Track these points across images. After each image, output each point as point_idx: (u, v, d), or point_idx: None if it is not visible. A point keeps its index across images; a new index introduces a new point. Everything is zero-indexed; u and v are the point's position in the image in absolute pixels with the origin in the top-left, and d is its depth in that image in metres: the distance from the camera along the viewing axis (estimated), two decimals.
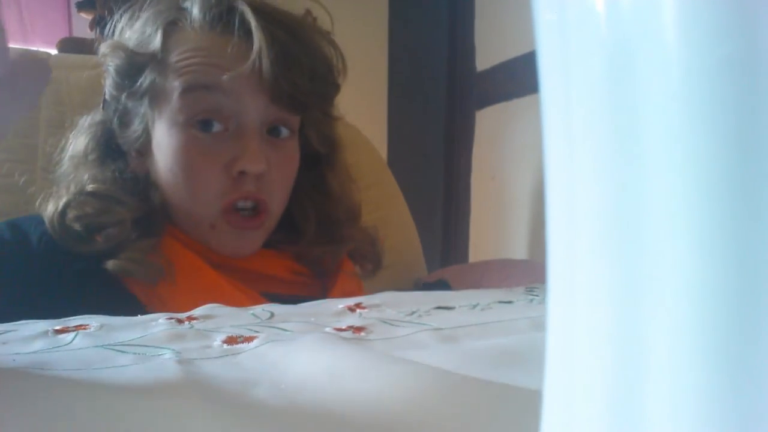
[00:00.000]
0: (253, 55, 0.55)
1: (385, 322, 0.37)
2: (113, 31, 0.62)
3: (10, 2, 1.76)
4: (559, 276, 0.12)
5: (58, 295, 0.53)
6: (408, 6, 1.84)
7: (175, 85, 0.55)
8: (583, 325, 0.11)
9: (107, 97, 0.61)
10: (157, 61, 0.57)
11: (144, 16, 0.60)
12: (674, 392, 0.10)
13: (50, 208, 0.57)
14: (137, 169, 0.61)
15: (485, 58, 1.54)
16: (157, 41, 0.57)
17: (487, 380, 0.25)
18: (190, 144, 0.56)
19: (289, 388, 0.25)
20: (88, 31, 1.19)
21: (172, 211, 0.60)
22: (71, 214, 0.56)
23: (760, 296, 0.09)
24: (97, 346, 0.30)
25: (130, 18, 0.61)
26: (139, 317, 0.37)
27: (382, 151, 1.61)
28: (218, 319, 0.37)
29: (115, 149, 0.61)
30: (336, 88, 0.63)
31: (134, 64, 0.58)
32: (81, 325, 0.34)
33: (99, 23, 1.06)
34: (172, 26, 0.58)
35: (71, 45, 1.17)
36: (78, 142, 0.62)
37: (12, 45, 1.62)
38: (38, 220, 0.58)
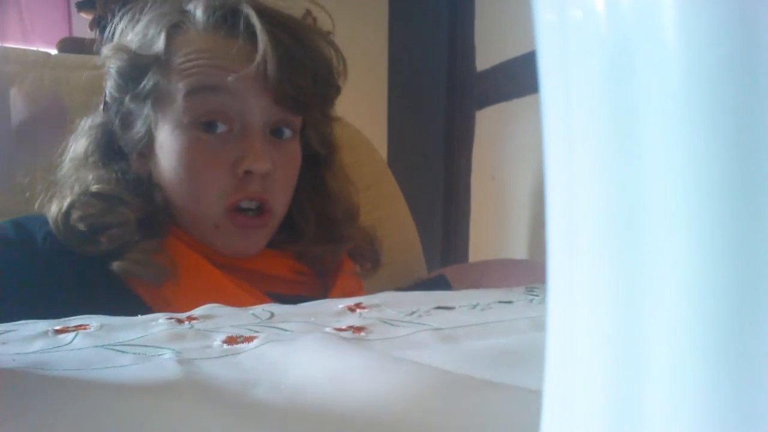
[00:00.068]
0: (258, 56, 0.55)
1: (385, 322, 0.37)
2: (113, 33, 0.62)
3: (10, 2, 1.76)
4: (559, 276, 0.12)
5: (63, 295, 0.53)
6: (408, 6, 1.84)
7: (180, 86, 0.56)
8: (583, 325, 0.11)
9: (108, 99, 0.61)
10: (161, 63, 0.57)
11: (146, 18, 0.60)
12: (674, 392, 0.10)
13: (54, 209, 0.57)
14: (139, 171, 0.61)
15: (485, 58, 1.54)
16: (160, 43, 0.57)
17: (487, 380, 0.25)
18: (195, 145, 0.56)
19: (289, 388, 0.25)
20: (88, 31, 1.19)
21: (176, 212, 0.60)
22: (75, 214, 0.56)
23: (760, 296, 0.09)
24: (97, 346, 0.30)
25: (131, 20, 0.61)
26: (139, 317, 0.37)
27: (382, 151, 1.61)
28: (218, 319, 0.37)
29: (117, 151, 0.61)
30: (337, 89, 0.64)
31: (137, 66, 0.58)
32: (81, 325, 0.34)
33: (99, 23, 1.06)
34: (175, 28, 0.58)
35: (71, 45, 1.17)
36: (79, 144, 0.62)
37: (12, 45, 1.62)
38: (42, 220, 0.58)
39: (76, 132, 0.63)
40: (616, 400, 0.10)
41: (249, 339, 0.32)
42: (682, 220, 0.09)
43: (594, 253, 0.11)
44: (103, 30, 0.66)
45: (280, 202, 0.60)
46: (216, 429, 0.21)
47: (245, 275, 0.59)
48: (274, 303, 0.45)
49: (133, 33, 0.60)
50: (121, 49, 0.59)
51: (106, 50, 0.60)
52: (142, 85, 0.58)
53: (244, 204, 0.58)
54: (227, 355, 0.30)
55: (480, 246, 1.61)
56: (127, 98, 0.59)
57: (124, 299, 0.54)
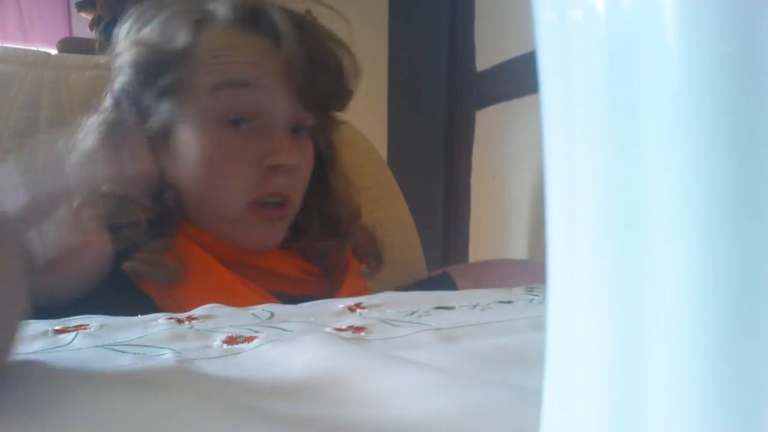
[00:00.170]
0: (285, 54, 0.57)
1: (385, 322, 0.37)
2: (127, 30, 0.61)
3: (10, 2, 1.76)
4: (559, 276, 0.12)
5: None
6: (408, 6, 1.84)
7: (206, 82, 0.57)
8: (583, 325, 0.11)
9: (119, 94, 0.60)
10: (185, 58, 0.57)
11: (163, 15, 0.60)
12: (674, 392, 0.10)
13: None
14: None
15: (485, 58, 1.54)
16: (185, 39, 0.57)
17: (487, 380, 0.25)
18: (220, 140, 0.57)
19: (289, 388, 0.25)
20: (88, 31, 1.19)
21: (190, 208, 0.60)
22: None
23: (760, 296, 0.09)
24: (97, 346, 0.30)
25: (141, 16, 0.61)
26: (139, 317, 0.37)
27: (382, 151, 1.61)
28: (218, 319, 0.37)
29: (123, 147, 0.61)
30: (350, 92, 0.65)
31: (157, 61, 0.58)
32: (81, 325, 0.34)
33: (99, 23, 1.06)
34: (199, 25, 0.59)
35: (71, 45, 1.17)
36: (87, 142, 0.61)
37: (12, 45, 1.62)
38: None
39: (82, 129, 0.62)
40: (616, 400, 0.10)
41: (249, 339, 0.32)
42: (682, 220, 0.09)
43: (594, 253, 0.11)
44: (106, 29, 0.66)
45: (297, 196, 0.62)
46: (216, 429, 0.21)
47: (255, 273, 0.60)
48: (281, 303, 0.45)
49: (149, 29, 0.60)
50: (141, 43, 0.58)
51: (124, 44, 0.59)
52: (162, 80, 0.58)
53: (267, 199, 0.59)
54: (227, 355, 0.30)
55: (480, 246, 1.61)
56: (144, 93, 0.59)
57: (133, 299, 0.54)
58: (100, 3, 1.07)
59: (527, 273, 0.78)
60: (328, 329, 0.35)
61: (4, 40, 1.72)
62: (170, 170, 0.60)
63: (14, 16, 1.77)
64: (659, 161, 0.10)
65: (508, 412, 0.21)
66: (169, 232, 0.58)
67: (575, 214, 0.11)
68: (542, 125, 0.12)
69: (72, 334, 0.32)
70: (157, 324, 0.35)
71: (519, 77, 1.33)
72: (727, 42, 0.09)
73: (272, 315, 0.39)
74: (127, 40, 0.60)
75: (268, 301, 0.52)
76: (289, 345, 0.31)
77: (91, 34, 1.15)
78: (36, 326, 0.34)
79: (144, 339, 0.32)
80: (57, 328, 0.33)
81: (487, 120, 1.56)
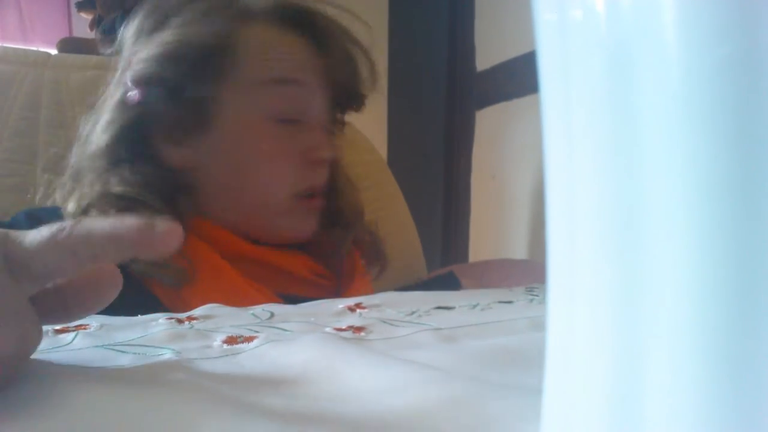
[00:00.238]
0: (325, 54, 0.61)
1: (385, 322, 0.37)
2: (138, 26, 0.61)
3: (10, 2, 1.76)
4: (559, 276, 0.12)
5: None
6: (408, 6, 1.84)
7: (254, 76, 0.58)
8: (583, 325, 0.11)
9: (144, 89, 0.58)
10: (227, 50, 0.58)
11: (194, 7, 0.60)
12: (674, 392, 0.10)
13: (71, 207, 0.56)
14: (173, 162, 0.59)
15: (485, 58, 1.54)
16: (227, 31, 0.58)
17: (488, 380, 0.25)
18: (270, 134, 0.59)
19: (289, 388, 0.25)
20: (88, 31, 1.19)
21: (215, 201, 0.60)
22: (94, 214, 0.55)
23: (760, 296, 0.09)
24: (97, 346, 0.30)
25: (155, 12, 0.60)
26: (139, 317, 0.37)
27: (382, 151, 1.61)
28: (218, 319, 0.37)
29: (143, 146, 0.59)
30: (365, 96, 0.68)
31: (194, 54, 0.57)
32: (81, 325, 0.34)
33: (99, 23, 1.06)
34: (239, 18, 0.60)
35: (71, 45, 1.17)
36: (100, 138, 0.59)
37: (12, 45, 1.62)
38: (58, 213, 0.57)
39: (94, 125, 0.61)
40: (616, 400, 0.10)
41: (249, 339, 0.32)
42: (682, 220, 0.09)
43: (594, 253, 0.11)
44: (106, 29, 0.66)
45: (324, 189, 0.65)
46: (216, 429, 0.21)
47: (264, 272, 0.59)
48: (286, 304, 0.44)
49: (180, 21, 0.59)
50: (180, 35, 0.58)
51: (165, 35, 0.58)
52: (202, 73, 0.57)
53: (308, 191, 0.62)
54: (227, 355, 0.30)
55: (480, 246, 1.61)
56: (177, 87, 0.57)
57: (141, 300, 0.54)
58: (100, 3, 1.07)
59: (527, 273, 0.78)
60: (328, 329, 0.35)
61: (4, 40, 1.72)
62: (202, 162, 0.59)
63: (14, 16, 1.77)
64: (659, 161, 0.10)
65: (508, 411, 0.21)
66: None
67: (575, 214, 0.11)
68: (542, 125, 0.12)
69: (72, 334, 0.32)
70: (157, 324, 0.35)
71: (519, 77, 1.33)
72: (727, 42, 0.09)
73: (272, 315, 0.39)
74: (170, 31, 0.58)
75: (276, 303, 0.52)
76: (289, 345, 0.31)
77: (91, 34, 1.15)
78: None
79: (144, 339, 0.32)
80: (57, 328, 0.33)
81: (487, 120, 1.55)
